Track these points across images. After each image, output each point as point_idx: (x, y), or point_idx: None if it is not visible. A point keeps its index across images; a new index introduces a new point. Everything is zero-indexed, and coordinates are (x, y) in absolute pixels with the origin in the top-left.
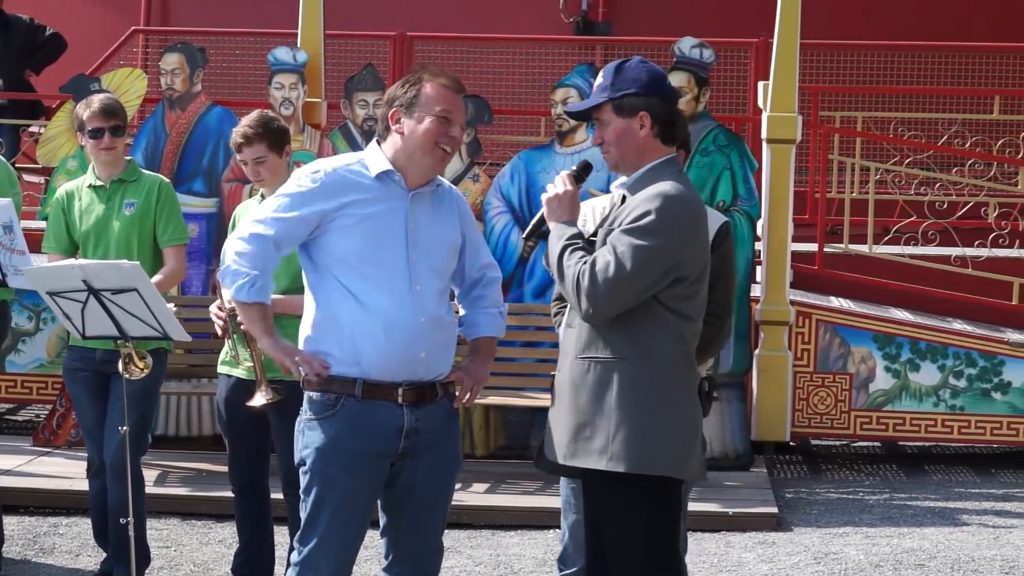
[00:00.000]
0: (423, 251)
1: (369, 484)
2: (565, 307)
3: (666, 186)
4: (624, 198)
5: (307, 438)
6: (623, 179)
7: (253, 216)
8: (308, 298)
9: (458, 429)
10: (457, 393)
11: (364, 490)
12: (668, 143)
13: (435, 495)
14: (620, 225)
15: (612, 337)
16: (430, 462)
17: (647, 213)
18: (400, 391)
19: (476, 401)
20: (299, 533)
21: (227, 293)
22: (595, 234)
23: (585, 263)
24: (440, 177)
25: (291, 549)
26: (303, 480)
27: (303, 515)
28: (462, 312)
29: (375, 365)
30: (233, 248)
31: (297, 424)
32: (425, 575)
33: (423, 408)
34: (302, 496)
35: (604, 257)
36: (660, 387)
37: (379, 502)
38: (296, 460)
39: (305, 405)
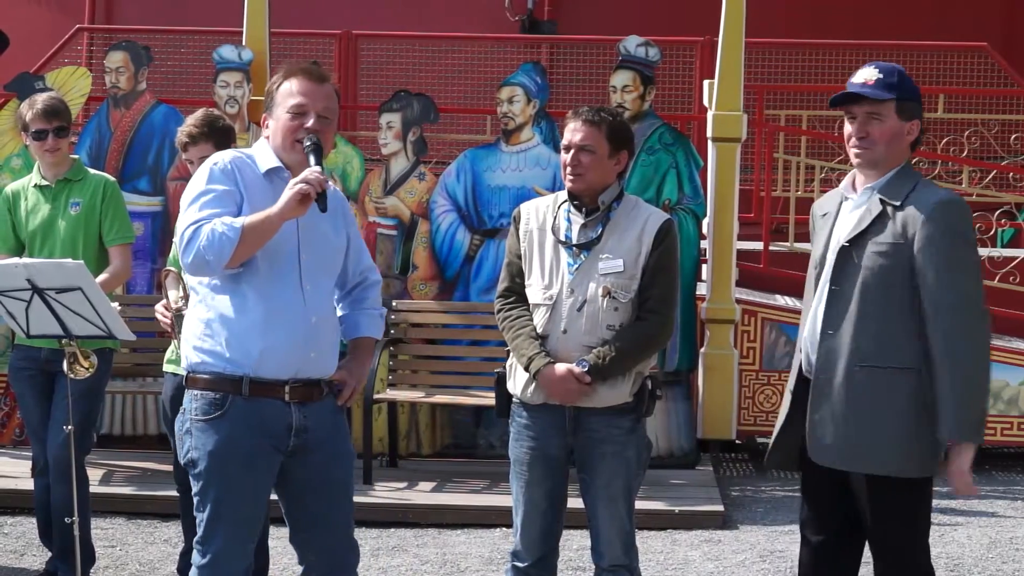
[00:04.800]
0: (312, 250)
1: (266, 476)
2: (509, 305)
3: (946, 194)
4: (882, 203)
5: (196, 439)
6: (869, 183)
7: (179, 226)
8: (193, 295)
9: (346, 425)
10: (341, 391)
11: (260, 483)
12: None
13: (333, 490)
14: (933, 244)
15: (904, 347)
16: (322, 458)
17: (958, 236)
18: (287, 389)
19: (423, 400)
20: (200, 535)
21: (189, 279)
22: (852, 241)
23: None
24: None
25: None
26: (196, 483)
27: (200, 516)
28: (340, 312)
29: (263, 364)
30: (185, 256)
31: (180, 424)
32: (344, 572)
33: (310, 406)
34: (197, 498)
35: (950, 297)
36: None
37: (282, 509)
38: (183, 461)
39: (188, 404)
